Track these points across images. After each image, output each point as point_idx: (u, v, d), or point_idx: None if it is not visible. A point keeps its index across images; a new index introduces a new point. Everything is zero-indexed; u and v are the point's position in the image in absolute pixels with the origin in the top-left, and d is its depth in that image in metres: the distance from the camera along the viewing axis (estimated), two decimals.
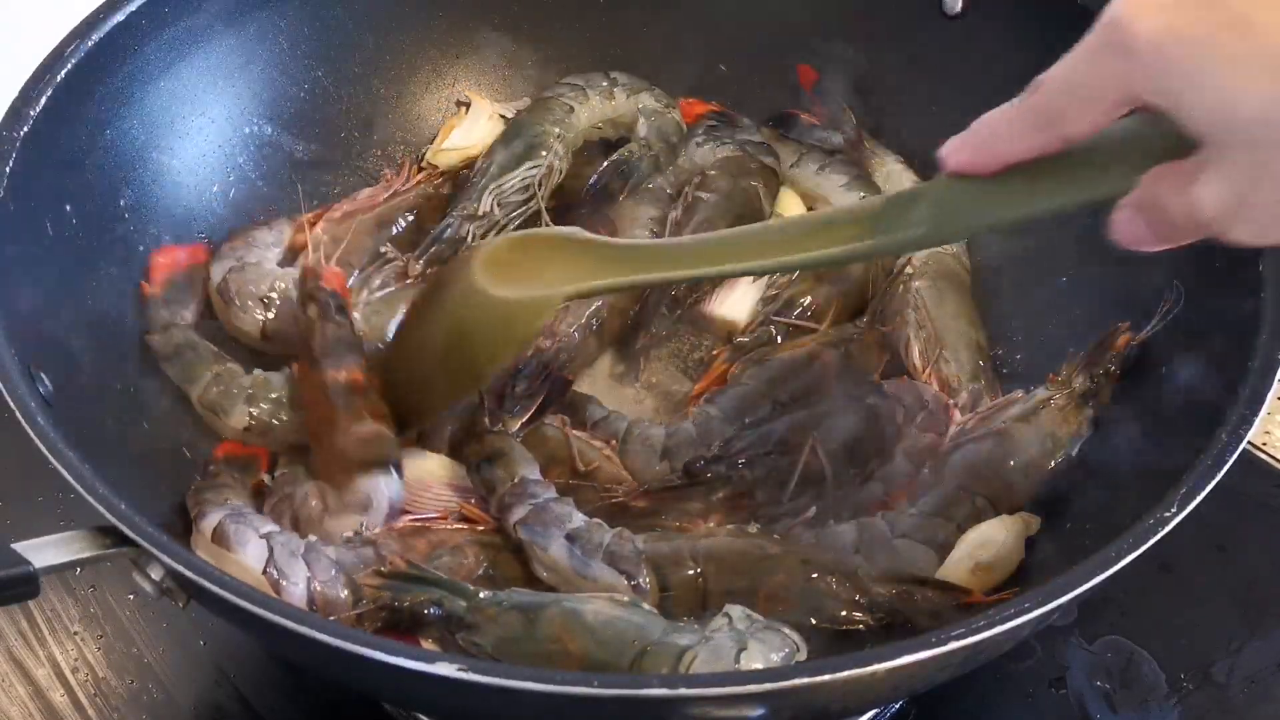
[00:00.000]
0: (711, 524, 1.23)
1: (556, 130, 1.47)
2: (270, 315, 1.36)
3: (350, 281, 1.39)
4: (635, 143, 1.49)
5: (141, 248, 1.35)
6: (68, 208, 1.26)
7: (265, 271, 1.38)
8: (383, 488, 1.20)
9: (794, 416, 1.29)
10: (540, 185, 1.44)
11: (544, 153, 1.45)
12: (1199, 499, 1.00)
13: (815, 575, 1.15)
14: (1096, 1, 1.30)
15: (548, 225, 1.44)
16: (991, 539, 1.18)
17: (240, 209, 1.45)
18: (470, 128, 1.53)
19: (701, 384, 1.35)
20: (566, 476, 1.26)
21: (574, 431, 1.29)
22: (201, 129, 1.43)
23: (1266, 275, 1.13)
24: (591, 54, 1.57)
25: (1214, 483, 1.01)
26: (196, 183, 1.42)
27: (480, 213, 1.41)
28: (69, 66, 1.26)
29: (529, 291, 1.14)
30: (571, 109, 1.49)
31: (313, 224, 1.44)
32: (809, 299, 1.39)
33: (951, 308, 1.38)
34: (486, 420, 1.27)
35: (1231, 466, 1.02)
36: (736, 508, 1.24)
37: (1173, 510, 1.00)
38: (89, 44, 1.28)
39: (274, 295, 1.37)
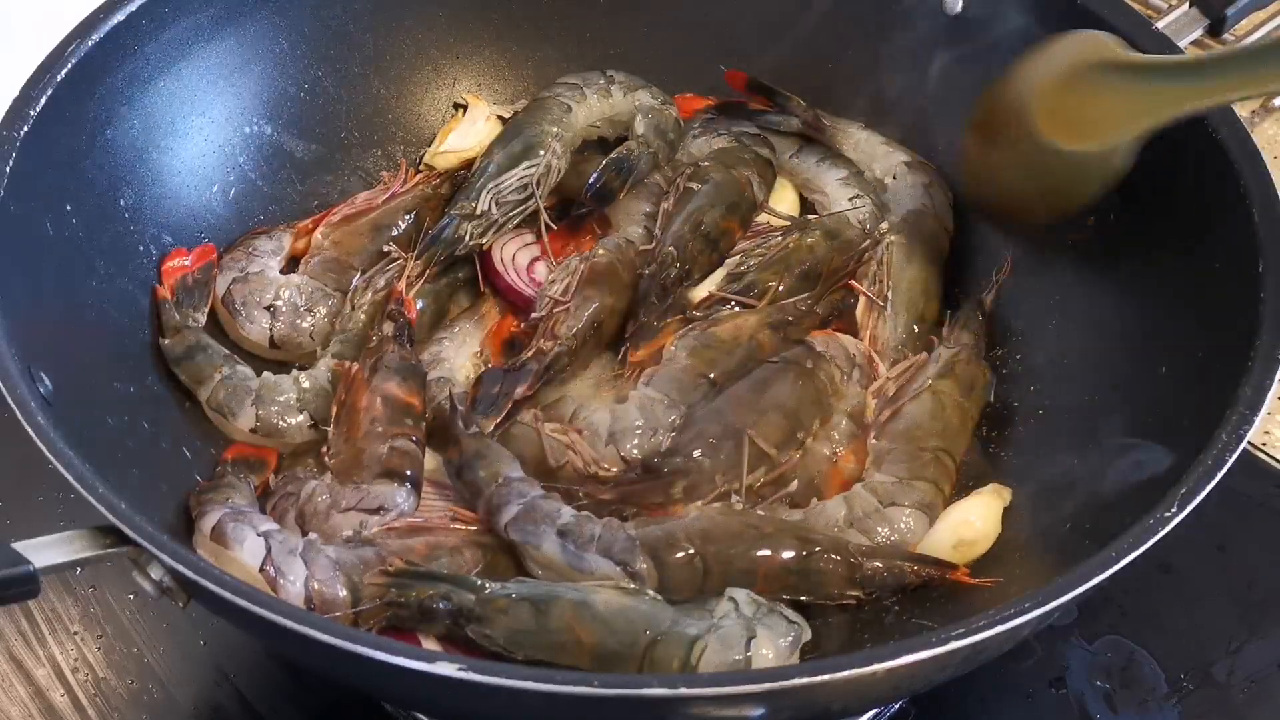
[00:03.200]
0: (699, 504, 1.24)
1: (554, 130, 1.47)
2: (278, 323, 1.37)
3: (354, 281, 1.40)
4: (633, 140, 1.49)
5: (141, 248, 1.35)
6: (68, 208, 1.27)
7: (269, 280, 1.39)
8: (399, 498, 1.21)
9: (735, 393, 1.30)
10: (539, 184, 1.44)
11: (542, 152, 1.45)
12: (1199, 499, 1.00)
13: (807, 554, 1.17)
14: (1096, 2, 1.33)
15: (547, 225, 1.44)
16: (972, 516, 1.23)
17: (240, 209, 1.45)
18: (468, 129, 1.53)
19: (640, 353, 1.35)
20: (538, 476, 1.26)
21: (545, 426, 1.29)
22: (201, 129, 1.43)
23: (1266, 275, 1.13)
24: (591, 54, 1.57)
25: (1214, 483, 1.01)
26: (196, 183, 1.42)
27: (478, 211, 1.41)
28: (69, 66, 1.26)
29: (1099, 140, 1.21)
30: (569, 108, 1.49)
31: (311, 229, 1.44)
32: (773, 283, 1.40)
33: (914, 273, 1.40)
34: (460, 423, 1.27)
35: (1231, 466, 1.02)
36: (701, 496, 1.24)
37: (1173, 510, 1.00)
38: (89, 44, 1.28)
39: (279, 304, 1.37)
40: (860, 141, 1.50)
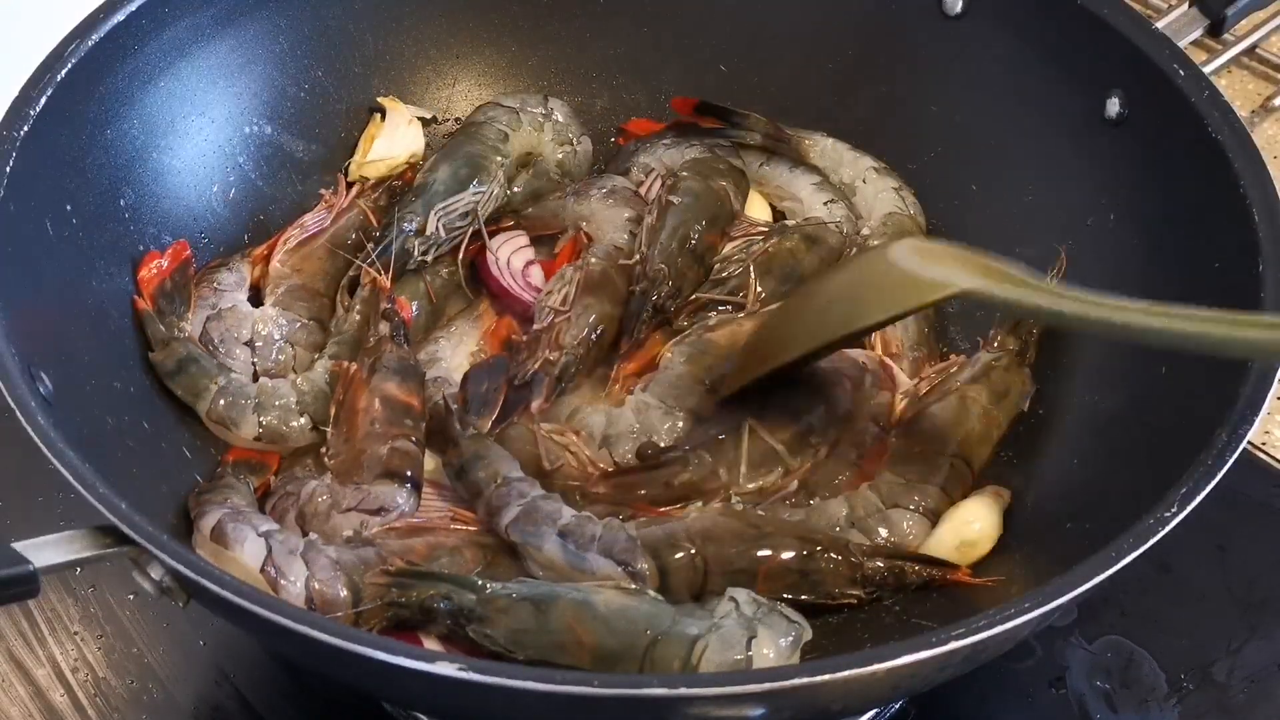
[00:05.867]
0: (699, 504, 1.24)
1: (498, 159, 1.47)
2: (258, 358, 1.35)
3: (341, 281, 1.40)
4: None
5: (142, 247, 1.35)
6: (68, 208, 1.26)
7: (243, 315, 1.37)
8: (400, 499, 1.20)
9: (743, 396, 1.29)
10: (482, 211, 1.44)
11: (488, 180, 1.45)
12: (1199, 499, 1.00)
13: (808, 553, 1.17)
14: (1096, 2, 1.33)
15: (488, 248, 1.44)
16: (974, 517, 1.23)
17: (240, 209, 1.45)
18: (392, 135, 1.51)
19: (631, 365, 1.35)
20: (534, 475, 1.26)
21: (542, 427, 1.29)
22: (201, 129, 1.43)
23: (1266, 275, 1.13)
24: (591, 54, 1.57)
25: (1214, 483, 1.01)
26: (196, 183, 1.42)
27: (428, 232, 1.41)
28: (69, 66, 1.26)
29: (928, 273, 1.18)
30: (506, 136, 1.49)
31: (265, 254, 1.42)
32: (756, 287, 1.39)
33: None
34: (457, 425, 1.27)
35: (1231, 466, 1.02)
36: (702, 492, 1.24)
37: (1173, 510, 1.00)
38: (89, 44, 1.28)
39: (257, 339, 1.35)
40: (826, 148, 1.50)
